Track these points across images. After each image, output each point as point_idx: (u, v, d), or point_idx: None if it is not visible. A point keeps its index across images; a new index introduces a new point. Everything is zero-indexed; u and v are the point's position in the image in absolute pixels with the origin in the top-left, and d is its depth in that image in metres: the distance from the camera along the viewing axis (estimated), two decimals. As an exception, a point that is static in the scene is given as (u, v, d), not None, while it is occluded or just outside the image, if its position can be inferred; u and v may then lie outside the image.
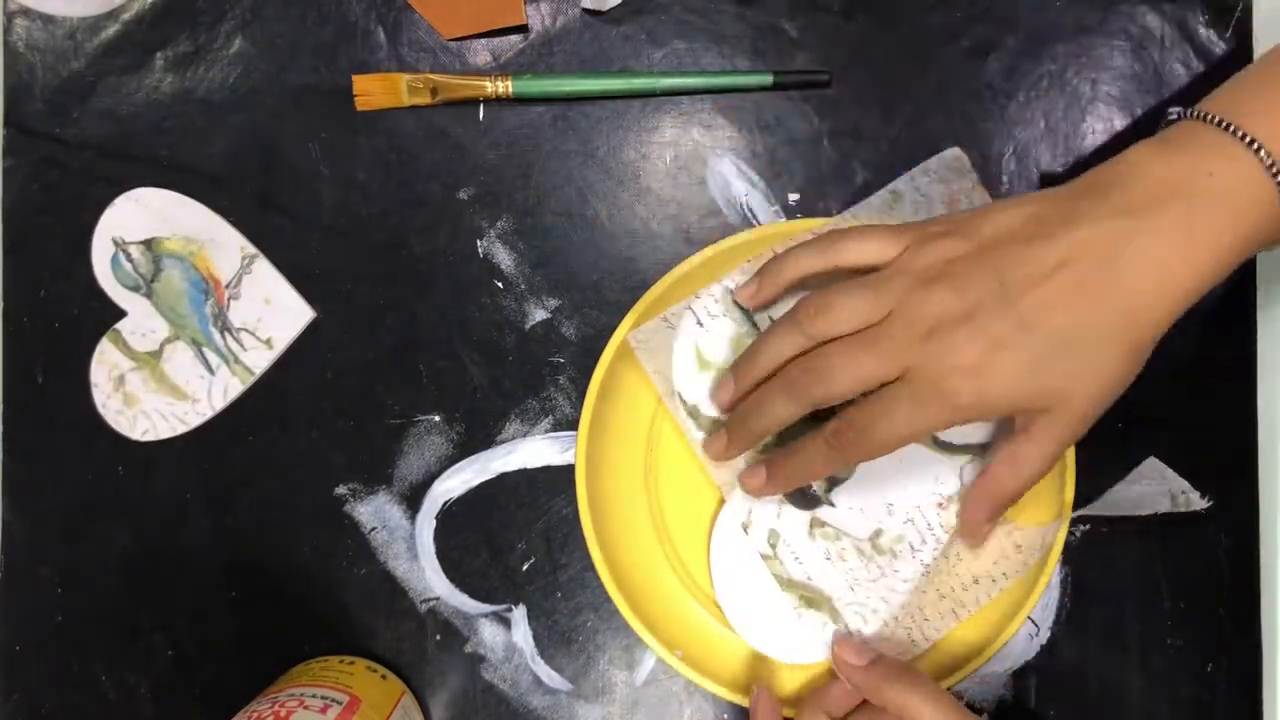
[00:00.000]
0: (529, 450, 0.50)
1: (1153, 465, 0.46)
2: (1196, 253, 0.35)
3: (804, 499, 0.46)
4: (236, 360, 0.50)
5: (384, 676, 0.49)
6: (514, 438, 0.50)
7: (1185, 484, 0.46)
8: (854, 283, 0.39)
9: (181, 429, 0.51)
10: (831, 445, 0.38)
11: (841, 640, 0.44)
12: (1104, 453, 0.46)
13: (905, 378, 0.36)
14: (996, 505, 0.40)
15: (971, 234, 0.37)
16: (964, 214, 0.39)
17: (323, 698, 0.44)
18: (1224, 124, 0.36)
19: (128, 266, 0.50)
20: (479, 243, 0.50)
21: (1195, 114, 0.37)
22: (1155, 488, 0.46)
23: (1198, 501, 0.46)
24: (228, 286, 0.50)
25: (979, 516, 0.41)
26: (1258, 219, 0.35)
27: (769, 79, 0.48)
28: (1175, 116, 0.38)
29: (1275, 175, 0.35)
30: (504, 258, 0.50)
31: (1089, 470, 0.45)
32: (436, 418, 0.50)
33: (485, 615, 0.50)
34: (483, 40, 0.50)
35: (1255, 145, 0.35)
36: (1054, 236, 0.36)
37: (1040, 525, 0.45)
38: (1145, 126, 0.48)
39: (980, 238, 0.37)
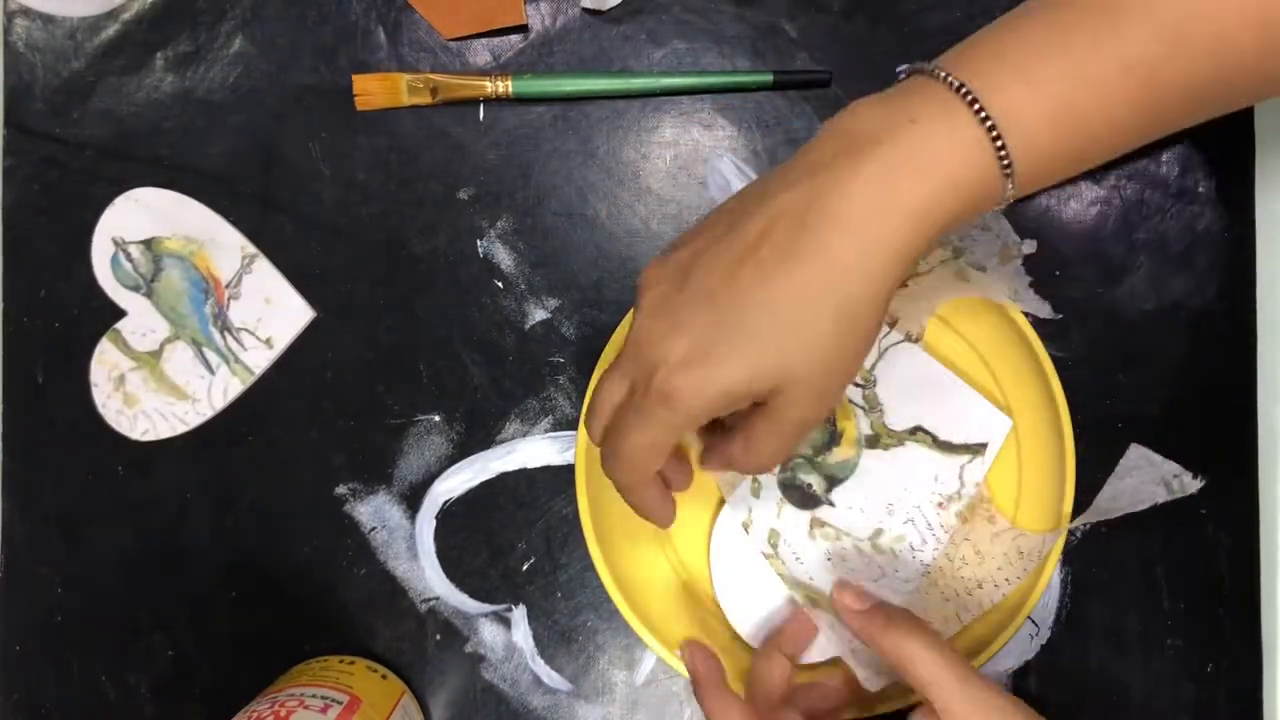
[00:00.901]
0: (529, 450, 0.50)
1: (1138, 453, 0.46)
2: (897, 208, 0.32)
3: (803, 498, 0.46)
4: (236, 360, 0.50)
5: (384, 676, 0.49)
6: (514, 438, 0.50)
7: (1175, 466, 0.46)
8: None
9: (181, 429, 0.51)
10: (605, 469, 0.38)
11: (842, 584, 0.44)
12: (1104, 453, 0.47)
13: (631, 390, 0.35)
14: (726, 473, 0.41)
15: (678, 259, 0.35)
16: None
17: (323, 698, 0.44)
18: (937, 72, 0.33)
19: (128, 266, 0.50)
20: (479, 243, 0.50)
21: (915, 68, 0.35)
22: (1147, 477, 0.46)
23: (1192, 484, 0.45)
24: (228, 286, 0.50)
25: (710, 467, 0.39)
26: (968, 174, 0.32)
27: (769, 79, 0.48)
28: (901, 74, 0.35)
29: (985, 123, 0.32)
30: (504, 258, 0.50)
31: (1093, 469, 0.45)
32: (436, 418, 0.50)
33: (485, 615, 0.50)
34: (483, 40, 0.50)
35: (963, 90, 0.32)
36: (751, 213, 0.34)
37: (1043, 532, 0.45)
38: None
39: (688, 253, 0.35)
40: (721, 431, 0.39)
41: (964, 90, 0.32)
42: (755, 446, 0.36)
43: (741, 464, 0.37)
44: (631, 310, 0.46)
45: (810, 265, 0.32)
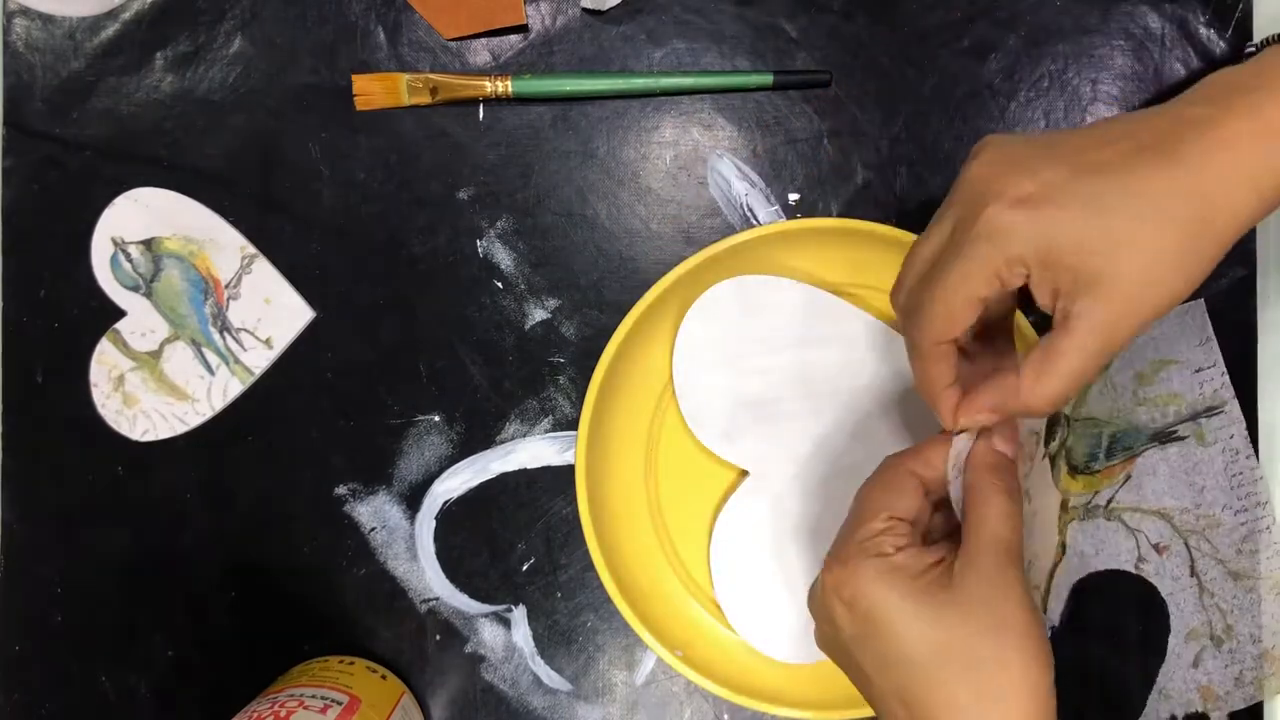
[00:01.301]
0: (529, 450, 0.50)
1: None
2: (1273, 143, 0.31)
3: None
4: (236, 360, 0.50)
5: (384, 677, 0.49)
6: (514, 438, 0.50)
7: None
8: None
9: (181, 429, 0.51)
10: (903, 330, 0.36)
11: (1005, 426, 0.37)
12: (1104, 453, 0.47)
13: (952, 232, 0.34)
14: (1014, 404, 0.34)
15: (1031, 133, 0.34)
16: None
17: (323, 698, 0.44)
18: None
19: (127, 266, 0.50)
20: (479, 243, 0.50)
21: (1275, 38, 0.35)
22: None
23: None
24: (228, 286, 0.50)
25: (988, 406, 0.35)
26: None
27: (769, 79, 0.48)
28: (1253, 49, 0.36)
29: None
30: (504, 258, 0.50)
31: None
32: (436, 418, 0.50)
33: (485, 615, 0.50)
34: (483, 40, 0.50)
35: None
36: (1110, 123, 0.34)
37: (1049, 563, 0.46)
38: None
39: (1042, 133, 0.34)
40: (986, 365, 0.36)
41: None
42: (1054, 362, 0.32)
43: (1030, 388, 0.33)
44: (629, 312, 0.46)
45: (1176, 166, 0.31)
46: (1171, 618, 0.46)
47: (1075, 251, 0.32)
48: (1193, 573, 0.46)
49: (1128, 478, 0.45)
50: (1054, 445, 0.46)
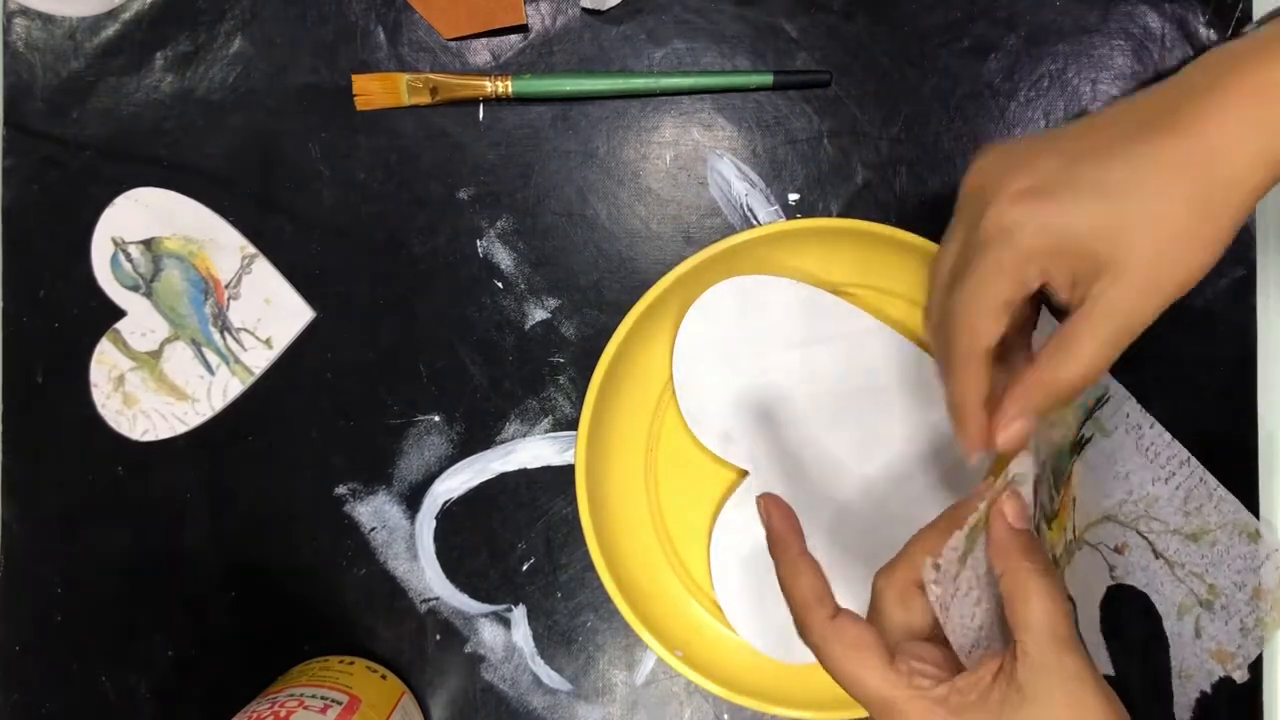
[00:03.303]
0: (529, 450, 0.50)
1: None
2: (1273, 105, 0.31)
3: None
4: (236, 360, 0.50)
5: (384, 676, 0.49)
6: (514, 438, 0.50)
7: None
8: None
9: (181, 429, 0.51)
10: (933, 349, 0.35)
11: (1012, 494, 0.36)
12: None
13: (966, 239, 0.33)
14: (1039, 396, 0.33)
15: (1025, 136, 0.34)
16: None
17: (322, 698, 0.44)
18: None
19: (127, 266, 0.50)
20: (479, 243, 0.50)
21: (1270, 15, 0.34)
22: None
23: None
24: (228, 286, 0.50)
25: (1015, 408, 0.34)
26: None
27: (769, 79, 0.48)
28: (1254, 27, 0.35)
29: None
30: (504, 258, 0.50)
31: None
32: (436, 418, 0.50)
33: (485, 615, 0.50)
34: (483, 40, 0.50)
35: None
36: (1106, 110, 0.33)
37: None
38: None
39: (1032, 135, 0.34)
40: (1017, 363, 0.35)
41: None
42: (1071, 348, 0.32)
43: (1052, 374, 0.32)
44: (629, 312, 0.46)
45: (1178, 135, 0.31)
46: (1156, 604, 0.46)
47: (1086, 237, 0.31)
48: (1156, 554, 0.46)
49: (1074, 500, 0.45)
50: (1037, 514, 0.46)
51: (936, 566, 0.35)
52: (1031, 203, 0.32)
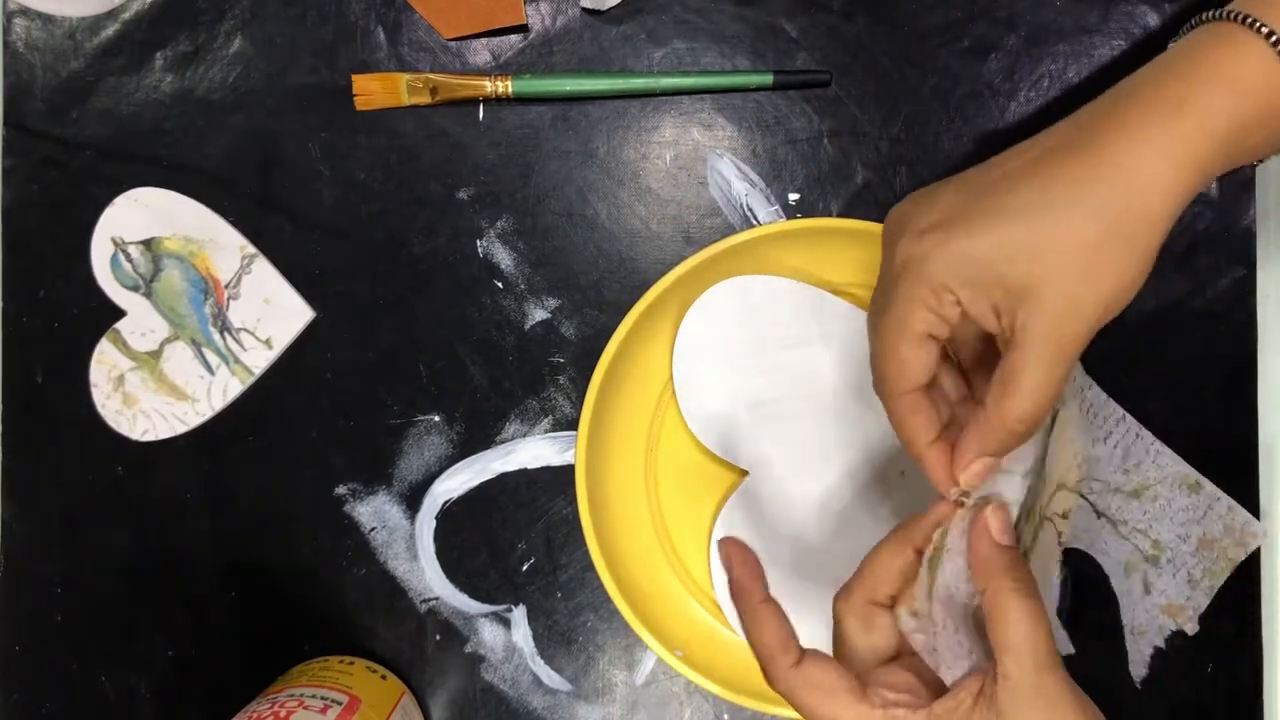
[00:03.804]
0: (529, 450, 0.50)
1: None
2: (1188, 125, 0.30)
3: None
4: (236, 360, 0.50)
5: (384, 677, 0.49)
6: (514, 438, 0.50)
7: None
8: None
9: (181, 429, 0.51)
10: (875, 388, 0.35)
11: (998, 508, 0.35)
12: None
13: (881, 285, 0.33)
14: (994, 439, 0.33)
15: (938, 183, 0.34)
16: None
17: (322, 698, 0.44)
18: (1232, 15, 0.32)
19: (127, 266, 0.50)
20: (479, 243, 0.50)
21: (1201, 18, 0.34)
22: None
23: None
24: (227, 286, 0.50)
25: (972, 450, 0.34)
26: (1254, 79, 0.31)
27: (769, 79, 0.48)
28: (1186, 29, 0.35)
29: (1263, 31, 0.31)
30: (504, 258, 0.50)
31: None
32: (436, 418, 0.50)
33: (485, 615, 0.50)
34: (483, 40, 0.50)
35: (1257, 25, 0.31)
36: (1023, 146, 0.33)
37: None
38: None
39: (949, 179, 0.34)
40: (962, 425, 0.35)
41: (1237, 15, 0.32)
42: (1012, 383, 0.31)
43: (999, 415, 0.32)
44: (629, 312, 0.46)
45: (1085, 153, 0.31)
46: (1103, 565, 0.46)
47: (996, 262, 0.31)
48: (1098, 514, 0.46)
49: (1043, 482, 0.45)
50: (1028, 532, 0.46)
51: (914, 614, 0.35)
52: (939, 232, 0.31)
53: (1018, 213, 0.31)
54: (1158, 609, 0.45)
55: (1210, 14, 0.33)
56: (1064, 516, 0.46)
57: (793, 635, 0.35)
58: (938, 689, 0.34)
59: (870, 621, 0.36)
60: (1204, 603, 0.44)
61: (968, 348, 0.38)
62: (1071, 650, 0.46)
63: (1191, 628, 0.45)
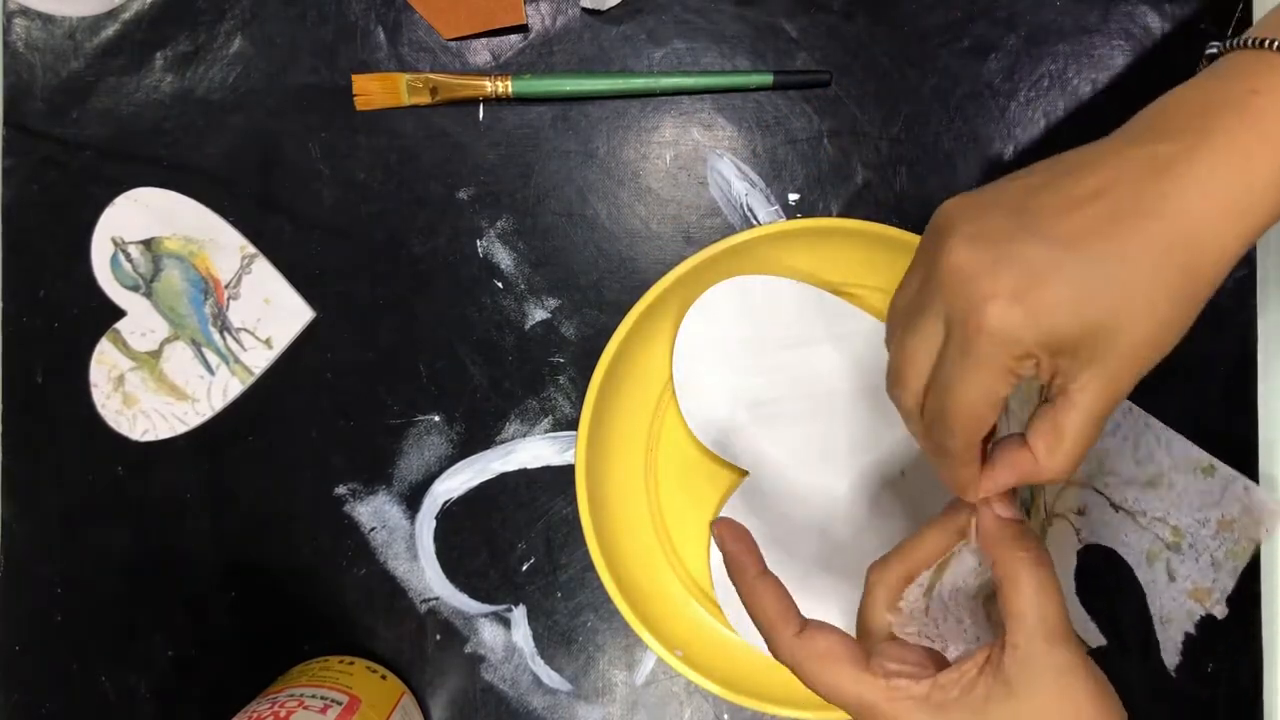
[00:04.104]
0: (529, 450, 0.50)
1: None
2: (1252, 173, 0.30)
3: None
4: (236, 360, 0.50)
5: (384, 677, 0.49)
6: (514, 438, 0.50)
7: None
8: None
9: (181, 429, 0.51)
10: (924, 437, 0.34)
11: (1004, 495, 0.35)
12: (1104, 453, 0.47)
13: (949, 333, 0.32)
14: (1023, 477, 0.33)
15: (995, 196, 0.33)
16: None
17: (322, 698, 0.44)
18: (1269, 43, 0.32)
19: (127, 266, 0.50)
20: (479, 243, 0.50)
21: (1235, 43, 0.33)
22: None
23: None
24: (227, 286, 0.50)
25: (997, 481, 0.34)
26: None
27: (769, 79, 0.48)
28: (1215, 50, 0.34)
29: None
30: (504, 258, 0.50)
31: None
32: (436, 418, 0.50)
33: (485, 615, 0.50)
34: (483, 40, 0.50)
35: None
36: (1078, 175, 0.32)
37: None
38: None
39: (1006, 193, 0.33)
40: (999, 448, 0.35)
41: None
42: (1066, 438, 0.32)
43: (1050, 464, 0.32)
44: (629, 312, 0.46)
45: (1159, 226, 0.30)
46: (1125, 556, 0.46)
47: (1078, 332, 0.31)
48: (1115, 507, 0.45)
49: None
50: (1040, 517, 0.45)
51: (899, 611, 0.35)
52: (1028, 305, 0.31)
53: (1099, 283, 0.30)
54: (1184, 594, 0.45)
55: (1246, 42, 0.33)
56: (1079, 513, 0.46)
57: (793, 606, 0.35)
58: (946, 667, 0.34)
59: (897, 597, 0.36)
60: (1230, 584, 0.44)
61: None
62: (1103, 642, 0.46)
63: (1220, 611, 0.45)
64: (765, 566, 0.36)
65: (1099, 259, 0.30)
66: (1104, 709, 0.31)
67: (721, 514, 0.48)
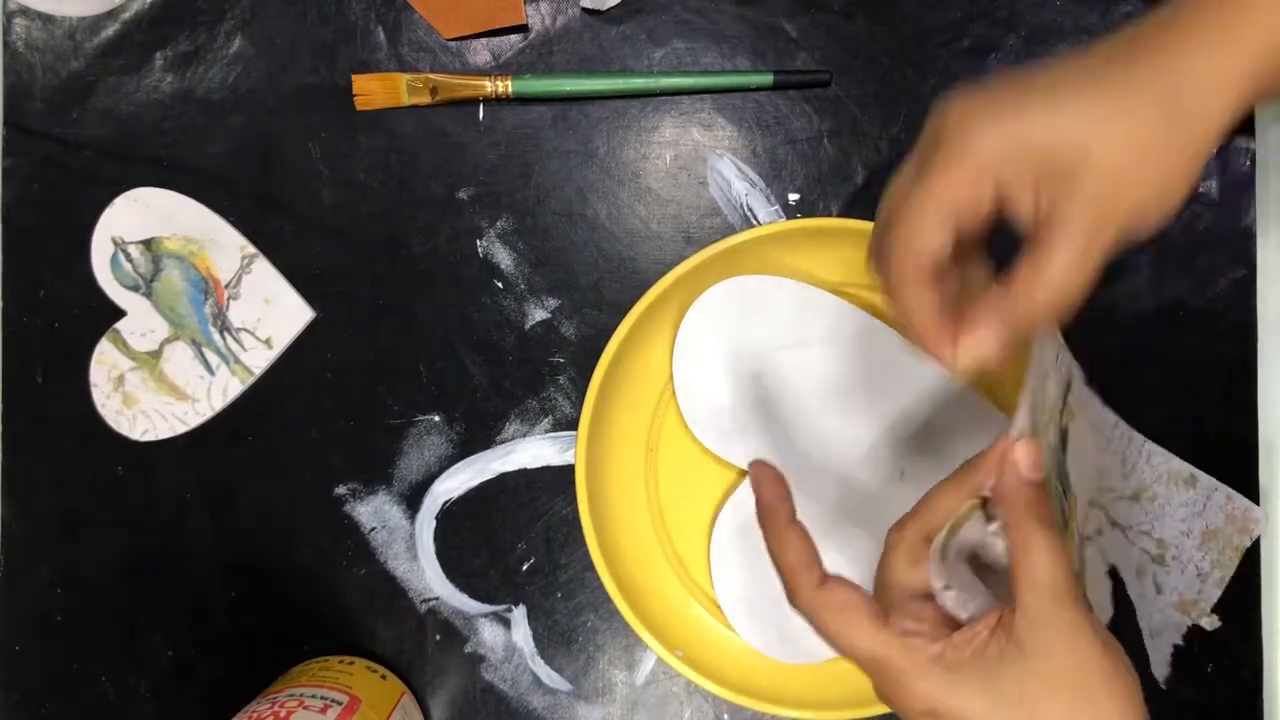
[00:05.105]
0: (529, 450, 0.50)
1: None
2: (1240, 31, 0.30)
3: None
4: (236, 360, 0.50)
5: (384, 677, 0.49)
6: (514, 438, 0.50)
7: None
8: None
9: (181, 429, 0.51)
10: (878, 272, 0.34)
11: (1028, 445, 0.34)
12: (1104, 453, 0.47)
13: (920, 160, 0.32)
14: (1011, 317, 0.32)
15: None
16: None
17: (322, 698, 0.44)
18: None
19: (127, 266, 0.50)
20: (479, 243, 0.50)
21: None
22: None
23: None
24: (227, 286, 0.50)
25: (982, 321, 0.32)
26: None
27: (769, 79, 0.48)
28: None
29: None
30: (504, 258, 0.50)
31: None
32: (436, 418, 0.50)
33: (485, 615, 0.50)
34: (483, 40, 0.50)
35: None
36: (1082, 51, 0.32)
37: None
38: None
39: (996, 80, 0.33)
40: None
41: None
42: (1044, 261, 0.30)
43: (1026, 290, 0.31)
44: (629, 312, 0.46)
45: (1145, 57, 0.30)
46: (1120, 570, 0.46)
47: (1047, 143, 0.30)
48: (1113, 523, 0.45)
49: (1075, 500, 0.45)
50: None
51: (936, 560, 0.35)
52: (985, 110, 0.31)
53: (1075, 99, 0.30)
54: (1171, 607, 0.45)
55: None
56: (1100, 533, 0.46)
57: (817, 557, 0.35)
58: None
59: (917, 556, 0.35)
60: (1215, 595, 0.44)
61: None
62: (1111, 612, 0.46)
63: (1209, 623, 0.44)
64: (794, 517, 0.35)
65: (1077, 84, 0.31)
66: (1115, 669, 0.31)
67: (722, 514, 0.48)
